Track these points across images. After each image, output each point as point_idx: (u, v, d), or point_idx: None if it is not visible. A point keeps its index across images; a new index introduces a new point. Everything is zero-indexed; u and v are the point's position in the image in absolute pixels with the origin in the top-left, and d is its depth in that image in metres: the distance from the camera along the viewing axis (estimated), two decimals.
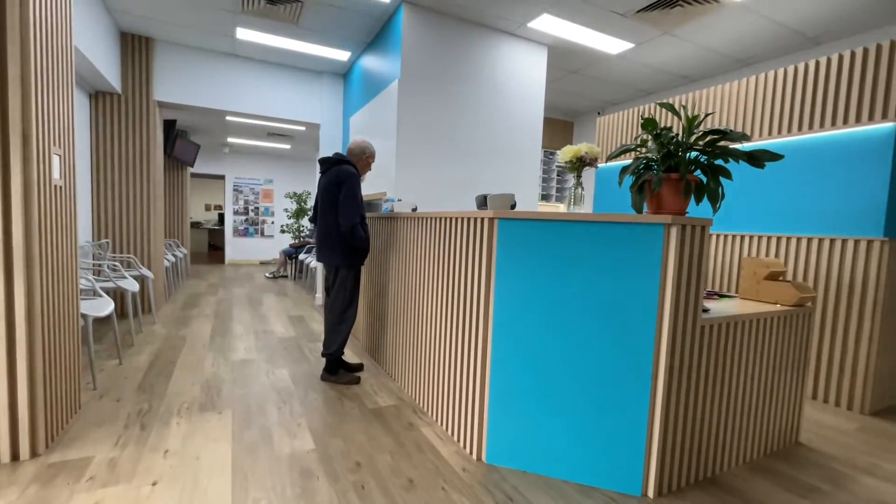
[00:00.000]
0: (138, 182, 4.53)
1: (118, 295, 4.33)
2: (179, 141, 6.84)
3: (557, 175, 6.59)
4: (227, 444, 2.01)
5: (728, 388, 1.89)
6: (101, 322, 4.05)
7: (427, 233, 2.44)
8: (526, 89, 4.18)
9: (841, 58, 2.70)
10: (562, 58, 4.48)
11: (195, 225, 12.19)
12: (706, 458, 1.87)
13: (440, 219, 2.28)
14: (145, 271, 4.23)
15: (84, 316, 2.47)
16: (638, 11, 3.48)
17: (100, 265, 3.58)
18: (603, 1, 3.35)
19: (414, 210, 3.02)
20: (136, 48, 4.40)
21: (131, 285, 3.50)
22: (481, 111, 3.97)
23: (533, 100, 4.24)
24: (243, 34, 4.26)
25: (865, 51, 2.60)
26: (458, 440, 2.10)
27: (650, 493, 1.73)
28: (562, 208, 6.24)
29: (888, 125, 2.50)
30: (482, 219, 1.91)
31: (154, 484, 1.68)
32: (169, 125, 6.33)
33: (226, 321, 4.38)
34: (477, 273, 1.95)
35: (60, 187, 2.00)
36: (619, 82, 5.17)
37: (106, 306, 2.73)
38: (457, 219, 2.12)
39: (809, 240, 2.83)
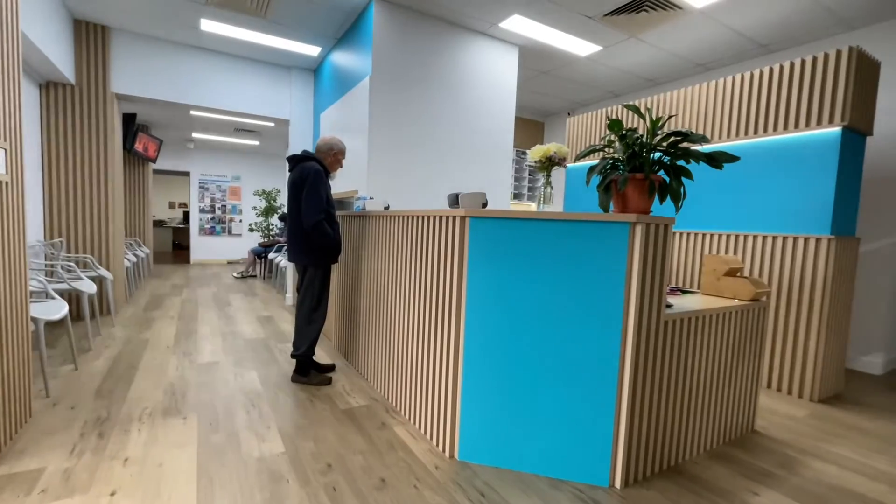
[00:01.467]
0: (95, 178, 4.30)
1: (73, 297, 4.11)
2: (140, 135, 6.54)
3: (529, 174, 6.68)
4: (192, 449, 1.95)
5: (690, 380, 1.97)
6: (54, 326, 3.83)
7: (399, 231, 2.43)
8: (498, 89, 4.22)
9: (792, 65, 2.85)
10: (533, 58, 4.54)
11: (158, 223, 11.70)
12: (669, 448, 1.95)
13: (412, 217, 2.28)
14: (103, 272, 4.03)
15: (35, 320, 2.34)
16: (605, 15, 3.57)
17: (53, 266, 3.39)
18: (572, 3, 3.42)
19: (386, 208, 2.99)
20: (91, 37, 4.17)
21: (87, 287, 3.33)
22: (453, 110, 3.98)
23: (505, 99, 4.28)
24: (208, 26, 4.11)
25: (814, 59, 2.75)
26: (431, 438, 2.11)
27: (617, 484, 1.78)
28: (533, 207, 6.33)
29: (835, 130, 2.66)
30: (454, 217, 1.91)
31: (112, 494, 1.61)
32: (129, 119, 6.05)
33: (191, 323, 4.23)
34: (449, 271, 1.96)
35: (7, 183, 1.88)
36: (589, 84, 5.28)
37: (59, 309, 2.59)
38: (429, 217, 2.12)
39: (764, 238, 2.98)
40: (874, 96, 2.83)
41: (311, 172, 2.60)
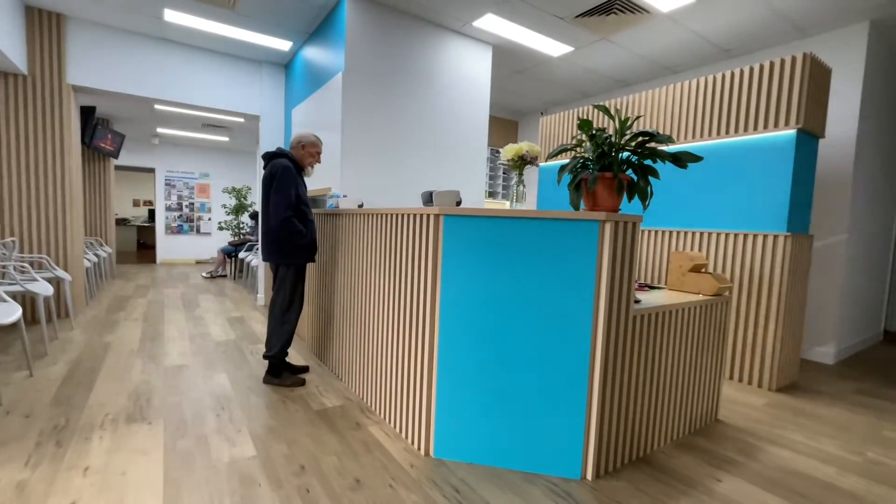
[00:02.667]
0: (51, 174, 4.09)
1: (28, 300, 3.90)
2: (100, 130, 6.25)
3: (503, 173, 6.75)
4: (157, 456, 1.88)
5: (657, 373, 2.04)
6: (5, 330, 3.62)
7: (373, 229, 2.41)
8: (472, 87, 4.23)
9: (751, 70, 2.97)
10: (507, 58, 4.58)
11: (122, 222, 11.21)
12: (638, 439, 2.01)
13: (386, 215, 2.26)
14: (61, 273, 3.84)
15: None
16: (577, 16, 3.63)
17: (4, 267, 3.21)
18: (544, 4, 3.46)
19: (360, 206, 2.97)
20: (44, 25, 3.95)
21: (43, 288, 3.17)
22: (428, 107, 3.97)
23: (479, 98, 4.30)
24: (172, 16, 3.96)
25: (771, 64, 2.89)
26: (406, 437, 2.11)
27: (589, 476, 1.83)
28: (507, 205, 6.40)
29: (790, 132, 2.80)
30: (428, 215, 1.91)
31: None
32: (87, 112, 5.77)
33: (157, 325, 4.08)
34: (423, 269, 1.96)
35: None
36: (561, 84, 5.37)
37: (11, 312, 2.45)
38: (403, 215, 2.11)
39: (726, 235, 3.10)
40: (826, 101, 2.99)
41: (279, 169, 2.55)
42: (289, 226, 2.53)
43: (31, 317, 3.98)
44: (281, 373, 2.74)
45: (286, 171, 2.55)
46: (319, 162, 2.85)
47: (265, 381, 2.75)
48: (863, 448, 2.22)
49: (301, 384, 2.72)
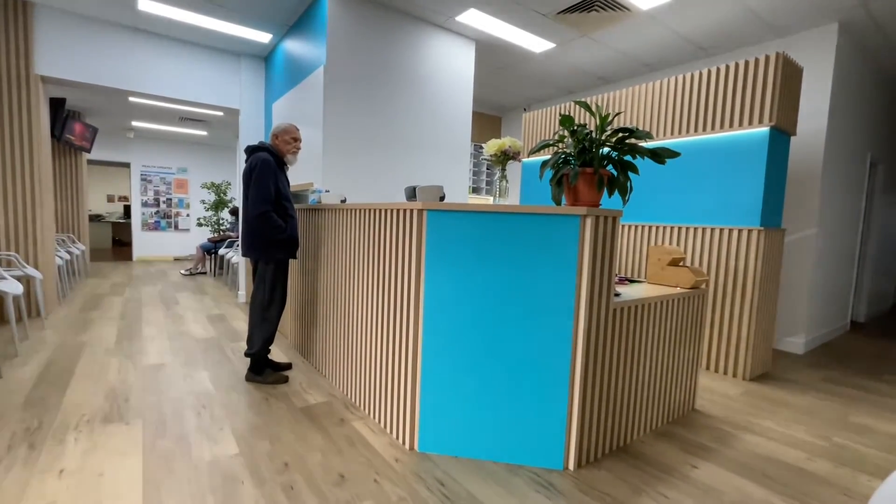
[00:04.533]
0: (18, 168, 3.93)
1: None
2: (71, 122, 6.04)
3: (487, 168, 6.77)
4: (136, 457, 1.85)
5: (637, 364, 2.09)
6: None
7: (356, 225, 2.39)
8: (455, 83, 4.23)
9: (727, 68, 3.05)
10: (489, 54, 4.58)
11: (95, 218, 10.86)
12: (618, 429, 2.06)
13: (369, 210, 2.25)
14: (31, 271, 3.71)
15: None
16: (559, 13, 3.66)
17: None
18: (527, 0, 3.47)
19: (343, 201, 2.94)
20: (10, 12, 3.79)
21: (12, 287, 3.06)
22: (411, 102, 3.96)
23: (462, 93, 4.30)
24: (146, 6, 3.84)
25: (746, 63, 2.96)
26: (391, 432, 2.11)
27: (571, 466, 1.87)
28: (491, 201, 6.42)
29: (763, 129, 2.88)
30: (411, 210, 1.91)
31: None
32: (57, 104, 5.56)
33: (134, 323, 3.98)
34: (407, 264, 1.96)
35: None
36: (543, 80, 5.41)
37: None
38: (386, 210, 2.10)
39: (704, 229, 3.18)
40: (798, 99, 3.08)
41: (258, 163, 2.52)
42: (266, 220, 2.50)
43: None
44: (263, 370, 2.72)
45: (265, 164, 2.52)
46: (299, 149, 2.75)
47: (247, 378, 2.72)
48: (830, 433, 2.31)
49: (283, 381, 2.70)
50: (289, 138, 2.69)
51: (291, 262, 3.39)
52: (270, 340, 2.69)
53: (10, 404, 2.27)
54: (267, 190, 2.50)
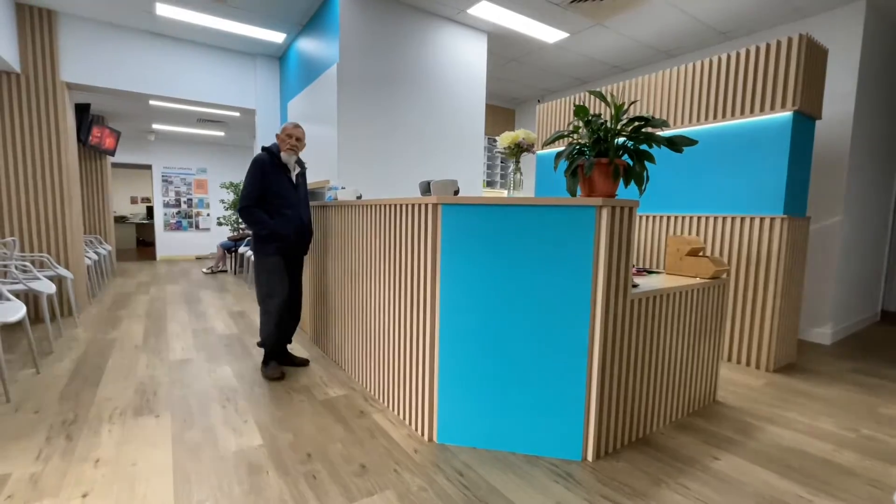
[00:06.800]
0: (48, 173, 4.08)
1: (31, 298, 3.92)
2: (96, 127, 6.22)
3: (501, 162, 6.73)
4: (166, 447, 1.92)
5: (655, 355, 2.07)
6: (11, 329, 3.65)
7: (372, 220, 2.42)
8: (467, 76, 4.21)
9: (748, 52, 2.96)
10: (501, 45, 4.54)
11: (120, 219, 11.21)
12: (638, 420, 2.05)
13: (384, 206, 2.28)
14: (63, 271, 3.86)
15: None
16: (572, 2, 3.60)
17: (6, 266, 3.22)
18: None
19: (359, 198, 2.97)
20: (36, 22, 3.92)
21: (46, 287, 3.19)
22: (424, 97, 3.96)
23: (474, 86, 4.28)
24: (164, 10, 3.93)
25: (768, 46, 2.87)
26: (410, 423, 2.14)
27: (589, 457, 1.87)
28: (506, 194, 6.39)
29: (786, 114, 2.80)
30: (426, 205, 1.93)
31: (84, 496, 1.58)
32: (82, 109, 5.74)
33: (160, 321, 4.11)
34: (422, 258, 1.98)
35: None
36: (557, 71, 5.34)
37: (15, 311, 2.47)
38: (401, 205, 2.12)
39: (724, 218, 3.12)
40: (822, 82, 2.98)
41: (252, 161, 2.63)
42: (246, 216, 2.60)
43: (34, 315, 4.01)
44: (269, 361, 2.79)
45: (253, 162, 2.61)
46: (294, 147, 2.67)
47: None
48: (858, 425, 2.26)
49: (278, 378, 2.70)
50: (283, 136, 2.68)
51: (308, 257, 3.44)
52: (273, 333, 2.73)
53: (47, 398, 2.38)
54: (250, 187, 2.58)
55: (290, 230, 2.69)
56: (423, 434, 2.04)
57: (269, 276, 2.69)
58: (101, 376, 2.71)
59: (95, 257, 5.39)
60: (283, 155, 2.67)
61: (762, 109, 2.90)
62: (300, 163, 2.83)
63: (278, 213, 2.66)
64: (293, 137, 2.68)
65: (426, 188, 2.26)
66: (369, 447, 1.95)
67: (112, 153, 6.99)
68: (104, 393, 2.47)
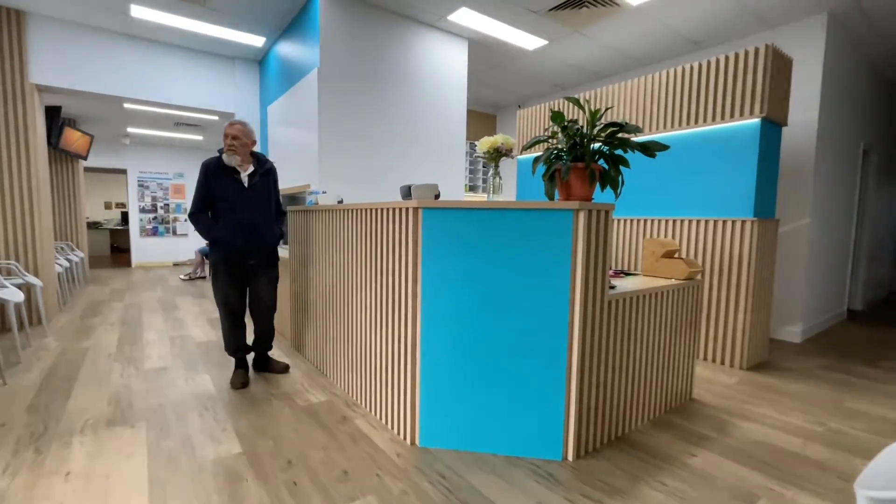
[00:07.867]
0: (16, 177, 3.95)
1: None
2: (67, 130, 6.05)
3: (483, 166, 6.79)
4: (141, 458, 1.87)
5: (633, 355, 2.12)
6: None
7: (353, 225, 2.42)
8: (449, 82, 4.25)
9: (717, 61, 3.07)
10: (482, 52, 4.60)
11: (93, 225, 10.88)
12: (617, 419, 2.09)
13: (366, 210, 2.28)
14: (31, 279, 3.72)
15: None
16: (550, 10, 3.68)
17: None
18: None
19: (340, 202, 2.96)
20: (3, 23, 3.80)
21: (13, 295, 3.08)
22: (405, 102, 3.98)
23: (456, 92, 4.32)
24: (139, 12, 3.86)
25: (736, 55, 2.99)
26: (392, 427, 2.14)
27: (570, 457, 1.89)
28: (486, 198, 6.44)
29: (754, 121, 2.91)
30: (407, 209, 1.94)
31: None
32: (53, 112, 5.57)
33: (135, 328, 4.00)
34: (403, 262, 1.99)
35: None
36: (536, 78, 5.43)
37: None
38: (382, 209, 2.13)
39: (697, 221, 3.21)
40: (788, 90, 3.11)
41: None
42: (193, 223, 2.62)
43: (1, 325, 3.85)
44: (235, 369, 2.76)
45: (200, 168, 2.61)
46: (232, 146, 2.54)
47: None
48: (825, 419, 2.35)
49: (239, 387, 2.64)
50: (224, 138, 2.58)
51: (289, 263, 3.40)
52: (227, 338, 2.74)
53: (14, 410, 2.29)
54: (196, 193, 2.61)
55: (232, 235, 2.57)
56: (405, 438, 2.04)
57: (214, 281, 2.68)
58: (72, 387, 2.62)
59: (67, 264, 5.22)
60: (224, 157, 2.57)
61: (731, 116, 3.01)
62: (261, 162, 2.71)
63: (223, 218, 2.60)
64: (228, 136, 2.56)
65: (407, 192, 2.27)
66: (351, 452, 1.94)
67: (84, 157, 6.79)
68: (75, 404, 2.39)
